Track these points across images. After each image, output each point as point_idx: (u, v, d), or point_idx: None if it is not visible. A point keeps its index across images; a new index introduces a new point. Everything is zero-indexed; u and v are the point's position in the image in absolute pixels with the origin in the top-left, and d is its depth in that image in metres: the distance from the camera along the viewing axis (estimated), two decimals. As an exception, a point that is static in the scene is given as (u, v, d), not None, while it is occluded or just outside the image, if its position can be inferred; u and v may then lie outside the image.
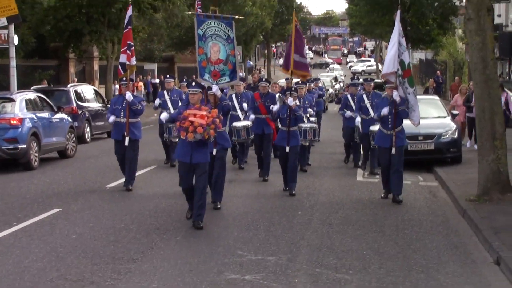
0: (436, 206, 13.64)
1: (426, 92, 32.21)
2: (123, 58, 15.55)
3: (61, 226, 11.46)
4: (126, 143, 14.62)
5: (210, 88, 12.58)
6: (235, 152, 18.18)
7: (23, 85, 27.94)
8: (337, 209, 13.09)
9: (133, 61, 15.38)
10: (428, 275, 8.96)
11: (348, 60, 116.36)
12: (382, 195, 13.98)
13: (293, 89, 15.05)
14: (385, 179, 13.82)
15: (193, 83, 11.61)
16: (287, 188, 14.42)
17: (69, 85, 26.96)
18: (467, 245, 10.68)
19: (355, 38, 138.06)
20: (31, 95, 19.98)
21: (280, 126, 14.69)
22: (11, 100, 18.28)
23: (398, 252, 10.07)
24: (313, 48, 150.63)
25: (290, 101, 14.11)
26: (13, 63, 26.90)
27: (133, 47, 15.57)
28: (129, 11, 16.01)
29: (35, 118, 18.53)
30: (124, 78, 15.30)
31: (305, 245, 10.44)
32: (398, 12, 14.21)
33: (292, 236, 10.88)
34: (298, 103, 14.91)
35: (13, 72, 26.93)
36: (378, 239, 10.83)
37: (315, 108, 18.61)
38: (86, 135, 24.92)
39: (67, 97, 24.57)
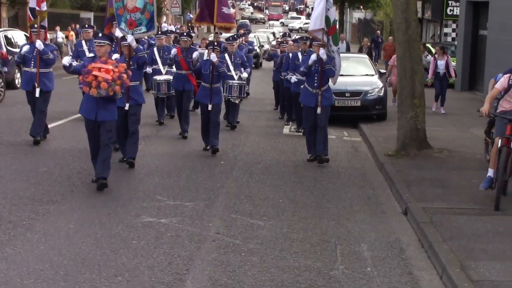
0: (356, 160, 14.09)
1: (360, 51, 32.00)
2: (32, 3, 14.30)
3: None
4: (37, 94, 13.78)
5: (125, 38, 11.93)
6: (157, 107, 17.47)
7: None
8: (259, 160, 13.44)
9: (44, 6, 14.17)
10: (338, 223, 9.39)
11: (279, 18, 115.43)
12: (309, 156, 13.44)
13: (215, 43, 14.07)
14: (311, 139, 13.30)
15: (100, 34, 10.49)
16: (208, 148, 13.78)
17: (-1, 30, 26.59)
18: (380, 196, 11.15)
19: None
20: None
21: (202, 82, 13.88)
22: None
23: (312, 202, 10.47)
24: (255, 4, 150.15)
25: (213, 57, 13.38)
26: None
27: None
28: None
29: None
30: (36, 25, 13.99)
31: (223, 192, 10.76)
32: None
33: (212, 184, 11.18)
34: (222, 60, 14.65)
35: None
36: (295, 189, 11.23)
37: (248, 68, 18.03)
38: (17, 81, 24.64)
39: (-5, 41, 24.27)
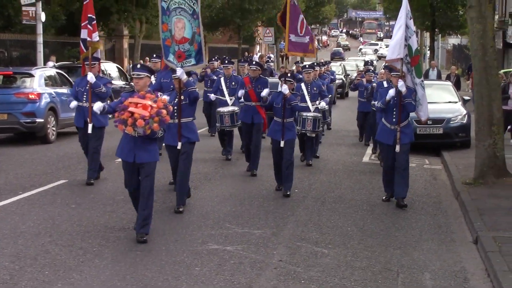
0: (433, 189, 13.92)
1: (448, 79, 29.24)
2: (84, 34, 13.64)
3: (63, 196, 11.98)
4: (89, 130, 13.06)
5: (175, 71, 11.06)
6: (222, 141, 16.52)
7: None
8: (334, 189, 13.46)
9: (95, 37, 13.58)
10: (404, 252, 9.31)
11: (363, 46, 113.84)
12: (384, 197, 12.37)
13: (289, 74, 12.95)
14: (388, 179, 12.23)
15: (138, 66, 9.70)
16: (280, 188, 12.84)
17: (93, 62, 27.43)
18: (452, 225, 10.99)
19: (392, 22, 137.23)
20: (51, 71, 20.63)
21: (274, 117, 12.76)
22: (31, 76, 18.89)
23: (381, 230, 10.42)
24: (350, 31, 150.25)
25: (284, 89, 12.36)
26: (40, 39, 27.61)
27: (94, 21, 13.73)
28: None
29: (53, 93, 19.13)
30: (89, 57, 13.34)
31: (293, 220, 10.83)
32: None
33: (283, 212, 11.27)
34: (296, 92, 13.86)
35: (40, 48, 27.68)
36: (365, 217, 11.19)
37: (326, 98, 16.48)
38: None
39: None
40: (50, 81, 19.70)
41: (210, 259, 8.71)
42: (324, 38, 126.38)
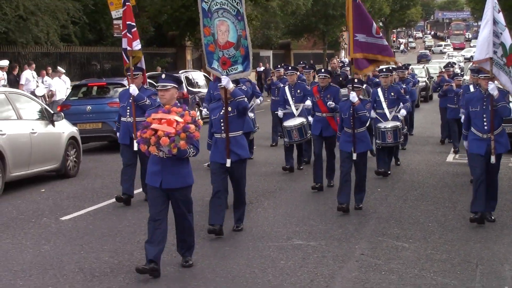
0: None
1: None
2: (124, 43, 12.59)
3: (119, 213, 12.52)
4: (135, 147, 11.48)
5: (220, 79, 9.95)
6: (288, 156, 15.33)
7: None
8: (416, 187, 13.69)
9: (136, 45, 12.46)
10: (484, 245, 9.51)
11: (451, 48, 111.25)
12: (472, 216, 10.53)
13: (356, 80, 11.67)
14: (478, 194, 10.51)
15: (163, 76, 8.35)
16: (339, 204, 11.26)
17: (180, 72, 28.34)
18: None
19: (480, 22, 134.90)
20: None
21: (344, 127, 11.67)
22: (123, 86, 19.72)
23: (462, 225, 10.62)
24: (437, 33, 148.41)
25: (353, 97, 11.21)
26: (130, 51, 28.59)
27: (135, 29, 12.62)
28: None
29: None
30: (132, 67, 12.33)
31: (375, 217, 11.18)
32: None
33: (365, 209, 11.60)
34: (365, 98, 12.64)
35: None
36: (447, 214, 11.41)
37: (407, 103, 15.30)
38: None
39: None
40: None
41: (294, 253, 9.14)
42: (403, 40, 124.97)
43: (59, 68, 24.24)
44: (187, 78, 26.76)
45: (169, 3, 36.59)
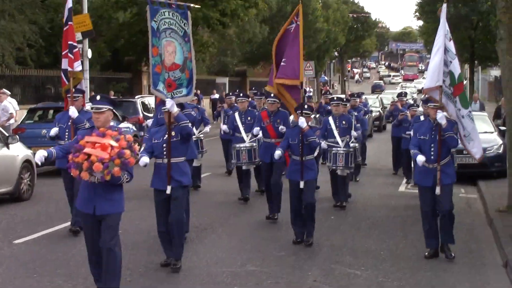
0: (467, 216, 14.24)
1: (497, 112, 26.09)
2: (64, 64, 12.21)
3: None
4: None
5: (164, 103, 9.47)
6: (241, 180, 15.14)
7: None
8: (369, 216, 13.91)
9: (77, 66, 12.18)
10: (434, 274, 9.73)
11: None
12: (426, 254, 10.54)
13: (305, 106, 11.30)
14: (429, 227, 10.54)
15: (98, 97, 7.93)
16: (298, 240, 11.27)
17: (136, 97, 28.36)
18: (483, 250, 11.38)
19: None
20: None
21: (292, 155, 11.35)
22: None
23: (413, 254, 10.82)
24: (390, 64, 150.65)
25: (301, 122, 10.97)
26: (86, 75, 28.56)
27: (76, 49, 12.36)
28: (69, 2, 12.65)
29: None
30: (70, 89, 12.01)
31: (328, 245, 11.32)
32: (444, 6, 10.58)
33: (318, 237, 11.69)
34: (316, 125, 12.57)
35: (87, 84, 28.59)
36: (398, 242, 11.63)
37: (358, 131, 15.59)
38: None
39: (134, 107, 25.94)
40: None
41: (248, 279, 9.25)
42: (357, 70, 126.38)
43: (4, 90, 23.84)
44: (143, 103, 26.76)
45: (126, 28, 36.60)
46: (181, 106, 9.83)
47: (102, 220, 7.87)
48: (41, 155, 7.84)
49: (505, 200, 14.68)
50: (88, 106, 11.51)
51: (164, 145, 9.37)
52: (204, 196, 15.84)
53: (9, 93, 23.91)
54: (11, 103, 23.12)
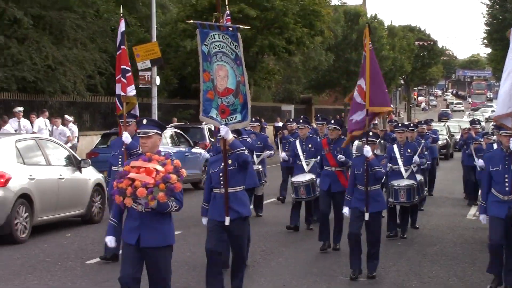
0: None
1: None
2: (118, 89, 11.92)
3: (178, 245, 12.81)
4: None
5: (219, 130, 8.91)
6: (294, 214, 14.68)
7: (166, 123, 30.17)
8: (436, 243, 13.87)
9: (131, 91, 11.88)
10: (502, 300, 9.68)
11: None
12: (490, 285, 9.95)
13: (370, 134, 10.69)
14: (497, 261, 9.77)
15: (145, 121, 7.48)
16: (354, 275, 10.49)
17: (203, 123, 28.75)
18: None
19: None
20: (169, 131, 22.06)
21: (357, 184, 10.72)
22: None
23: (482, 281, 10.72)
24: (458, 92, 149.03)
25: (366, 151, 10.37)
26: (154, 102, 29.22)
27: (130, 73, 11.99)
28: (121, 26, 12.29)
29: (171, 152, 20.42)
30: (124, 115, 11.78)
31: (394, 270, 11.35)
32: None
33: (385, 262, 11.72)
34: (381, 153, 11.67)
35: (154, 111, 29.26)
36: (466, 269, 11.57)
37: (423, 159, 15.16)
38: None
39: (201, 133, 26.34)
40: (168, 140, 21.29)
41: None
42: (421, 98, 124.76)
43: (66, 116, 24.46)
44: (209, 129, 27.12)
45: (193, 56, 37.19)
46: (237, 132, 9.29)
47: (147, 255, 7.17)
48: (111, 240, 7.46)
49: None
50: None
51: (221, 174, 8.83)
52: (270, 220, 15.98)
53: (71, 119, 24.53)
54: (71, 129, 23.76)
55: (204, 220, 9.06)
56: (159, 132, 7.36)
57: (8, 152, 13.38)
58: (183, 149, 21.63)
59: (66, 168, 14.80)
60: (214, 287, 8.81)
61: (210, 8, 33.98)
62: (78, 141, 24.53)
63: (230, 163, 8.81)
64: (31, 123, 22.53)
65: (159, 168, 6.97)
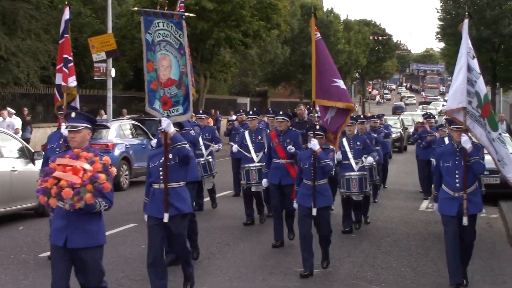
0: (488, 235, 14.26)
1: None
2: (58, 79, 11.46)
3: (133, 238, 12.78)
4: None
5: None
6: (247, 204, 14.48)
7: (120, 115, 29.93)
8: (389, 234, 13.98)
9: (72, 81, 11.35)
10: (455, 291, 9.79)
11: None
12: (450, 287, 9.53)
13: (317, 127, 10.36)
14: (453, 260, 9.46)
15: (73, 114, 7.05)
16: (305, 272, 10.24)
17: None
18: (504, 269, 11.40)
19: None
20: (126, 123, 22.00)
21: (303, 179, 10.41)
22: (106, 127, 20.01)
23: (434, 271, 10.90)
24: (412, 86, 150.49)
25: (313, 144, 10.00)
26: (109, 94, 28.99)
27: (71, 63, 11.46)
28: (66, 14, 11.88)
29: (128, 144, 20.27)
30: (62, 106, 11.36)
31: (349, 261, 11.41)
32: (466, 21, 9.76)
33: (339, 254, 11.81)
34: (329, 147, 10.63)
35: (109, 103, 29.07)
36: (419, 260, 11.70)
37: (374, 153, 14.44)
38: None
39: (157, 126, 26.10)
40: (124, 132, 21.11)
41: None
42: (375, 92, 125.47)
43: (8, 108, 23.96)
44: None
45: (149, 48, 37.02)
46: (179, 125, 8.99)
47: (76, 256, 6.84)
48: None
49: (527, 219, 14.81)
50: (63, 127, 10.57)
51: (161, 168, 8.48)
52: (225, 213, 15.97)
53: (13, 111, 24.13)
54: (15, 120, 23.39)
55: (146, 217, 8.64)
56: (89, 126, 6.98)
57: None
58: (138, 142, 21.38)
59: (19, 160, 14.56)
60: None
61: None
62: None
63: (170, 157, 8.45)
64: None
65: (87, 167, 6.55)
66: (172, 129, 8.27)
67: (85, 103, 33.49)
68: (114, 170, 6.74)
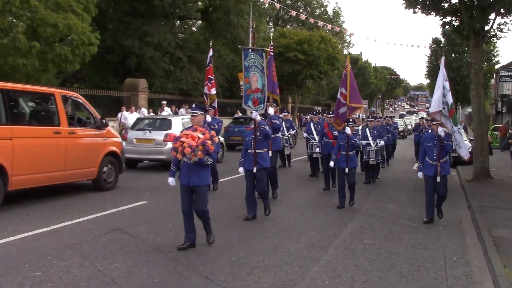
0: (449, 183, 13.25)
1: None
2: (206, 89, 11.39)
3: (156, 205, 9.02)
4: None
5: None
6: (313, 166, 13.46)
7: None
8: (395, 180, 13.50)
9: (213, 91, 11.26)
10: (419, 211, 8.99)
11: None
12: (425, 219, 8.78)
13: (350, 120, 9.81)
14: (429, 203, 8.78)
15: (194, 105, 6.60)
16: (340, 205, 9.53)
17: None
18: (456, 200, 11.19)
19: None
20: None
21: (340, 151, 9.69)
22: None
23: (421, 205, 9.57)
24: (411, 104, 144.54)
25: (347, 130, 9.58)
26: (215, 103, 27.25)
27: (213, 80, 11.36)
28: (210, 52, 11.65)
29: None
30: (207, 105, 11.11)
31: (370, 199, 10.88)
32: (443, 58, 9.43)
33: (361, 196, 10.71)
34: (357, 132, 10.63)
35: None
36: (410, 193, 11.44)
37: (384, 137, 13.89)
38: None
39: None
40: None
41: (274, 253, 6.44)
42: (373, 109, 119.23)
43: (163, 102, 20.19)
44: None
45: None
46: (264, 116, 8.47)
47: (194, 190, 6.33)
48: (172, 181, 6.53)
49: (470, 175, 14.39)
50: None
51: (252, 140, 8.11)
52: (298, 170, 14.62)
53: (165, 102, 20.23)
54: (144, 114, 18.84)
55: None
56: (203, 113, 6.52)
57: None
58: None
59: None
60: (251, 211, 8.06)
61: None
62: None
63: (258, 134, 8.11)
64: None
65: (200, 136, 6.24)
66: (258, 118, 8.08)
67: (236, 108, 30.91)
68: (217, 138, 6.39)
